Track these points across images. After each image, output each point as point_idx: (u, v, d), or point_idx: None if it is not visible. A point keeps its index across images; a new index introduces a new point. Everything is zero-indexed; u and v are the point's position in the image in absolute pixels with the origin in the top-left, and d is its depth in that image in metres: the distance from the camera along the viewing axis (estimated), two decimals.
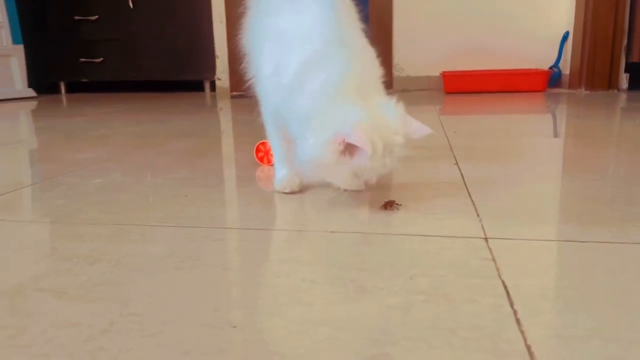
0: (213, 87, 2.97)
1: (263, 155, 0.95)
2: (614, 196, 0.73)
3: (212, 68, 2.93)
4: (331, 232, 0.61)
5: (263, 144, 0.95)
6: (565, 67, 2.50)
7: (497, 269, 0.49)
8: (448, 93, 2.47)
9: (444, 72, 2.57)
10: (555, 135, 1.33)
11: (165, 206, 0.72)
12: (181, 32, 2.90)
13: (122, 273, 0.51)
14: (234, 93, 2.83)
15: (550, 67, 2.60)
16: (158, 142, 1.28)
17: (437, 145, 1.11)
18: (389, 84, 2.77)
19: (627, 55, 2.28)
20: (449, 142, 1.15)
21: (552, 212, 0.68)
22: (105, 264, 0.53)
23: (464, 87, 2.46)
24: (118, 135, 1.42)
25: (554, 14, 2.56)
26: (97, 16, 2.94)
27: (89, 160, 1.06)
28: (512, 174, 0.88)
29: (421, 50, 2.76)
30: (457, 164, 0.93)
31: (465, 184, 0.79)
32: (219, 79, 2.95)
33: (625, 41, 2.25)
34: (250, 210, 0.70)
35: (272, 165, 0.95)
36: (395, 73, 2.80)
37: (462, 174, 0.85)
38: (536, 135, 1.31)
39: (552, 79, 2.49)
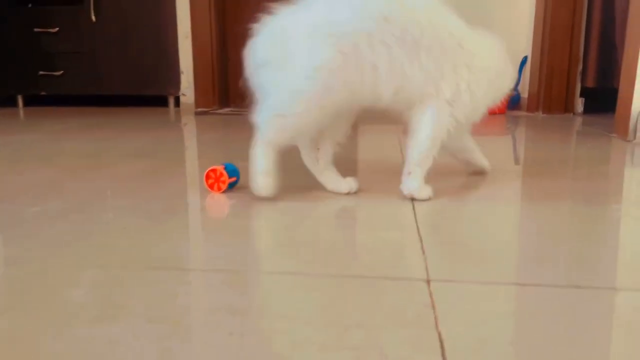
0: (177, 102, 2.91)
1: (213, 182, 0.92)
2: (567, 234, 0.73)
3: (177, 83, 2.88)
4: (268, 272, 0.58)
5: (213, 170, 0.91)
6: (524, 91, 2.55)
7: (436, 318, 0.47)
8: None
9: None
10: (516, 162, 1.34)
11: (100, 241, 0.68)
12: (145, 47, 2.84)
13: (30, 326, 0.46)
14: (199, 109, 2.78)
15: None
16: (111, 163, 1.23)
17: (393, 172, 1.10)
18: None
19: (582, 80, 2.34)
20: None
21: (504, 250, 0.66)
22: (12, 314, 0.48)
23: None
24: (70, 155, 1.36)
25: (514, 39, 2.62)
26: (57, 28, 2.85)
27: (32, 184, 1.00)
28: (466, 206, 0.86)
29: None
30: (413, 199, 0.92)
31: (414, 216, 0.77)
32: (183, 94, 2.90)
33: (580, 67, 2.31)
34: (189, 247, 0.67)
35: (223, 192, 0.91)
36: None
37: (413, 206, 0.84)
38: (495, 161, 1.31)
39: (511, 101, 2.53)
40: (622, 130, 1.48)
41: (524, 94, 2.55)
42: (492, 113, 2.42)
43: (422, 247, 0.64)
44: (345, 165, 1.20)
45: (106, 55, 2.87)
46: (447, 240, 0.69)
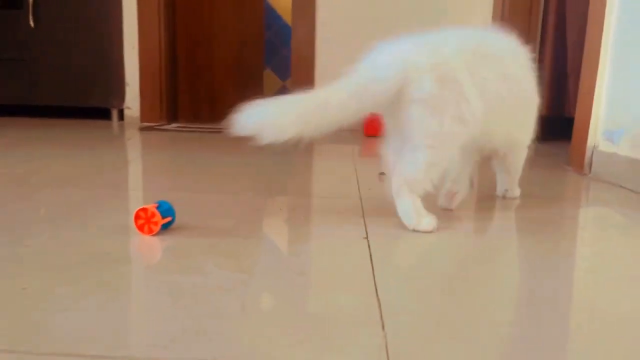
0: (122, 116, 2.73)
1: (144, 223, 0.80)
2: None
3: (121, 95, 2.70)
4: None
5: (144, 210, 0.79)
6: None
7: None
8: (368, 136, 2.43)
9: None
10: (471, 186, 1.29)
11: None
12: (88, 56, 2.66)
13: None
14: (144, 124, 2.62)
15: None
16: (36, 190, 1.08)
17: (349, 204, 1.02)
18: None
19: None
20: (361, 202, 1.06)
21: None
22: None
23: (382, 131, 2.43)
24: None
25: None
26: None
27: None
28: (422, 256, 0.79)
29: None
30: (367, 237, 0.83)
31: (372, 272, 0.69)
32: (128, 107, 2.72)
33: None
34: (95, 320, 0.55)
35: (154, 234, 0.80)
36: None
37: (370, 256, 0.75)
38: None
39: None
40: (578, 164, 1.46)
41: None
42: None
43: (380, 315, 0.55)
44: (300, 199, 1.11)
45: (45, 64, 2.66)
46: (407, 309, 0.60)
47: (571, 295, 0.65)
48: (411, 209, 0.84)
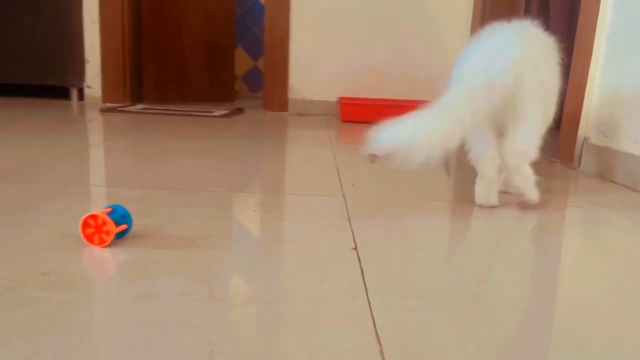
0: (82, 95, 2.54)
1: (93, 232, 0.67)
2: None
3: (81, 74, 2.50)
4: None
5: (93, 217, 0.67)
6: None
7: None
8: (345, 121, 2.32)
9: (341, 98, 2.42)
10: (447, 172, 1.20)
11: None
12: (44, 30, 2.44)
13: None
14: (107, 105, 2.43)
15: None
16: None
17: (332, 204, 0.91)
18: (284, 105, 2.57)
19: None
20: (345, 201, 0.95)
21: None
22: None
23: (361, 116, 2.32)
24: None
25: (453, 42, 2.53)
26: None
27: None
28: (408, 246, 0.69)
29: (319, 73, 2.59)
30: (355, 247, 0.73)
31: (367, 298, 0.58)
32: (89, 86, 2.53)
33: None
34: None
35: (106, 246, 0.67)
36: (291, 95, 2.60)
37: (363, 274, 0.65)
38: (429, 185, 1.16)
39: None
40: (567, 157, 1.40)
41: None
42: None
43: (374, 326, 0.45)
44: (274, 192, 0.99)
45: None
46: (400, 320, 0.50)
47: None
48: (531, 180, 0.97)
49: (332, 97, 2.55)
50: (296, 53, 2.55)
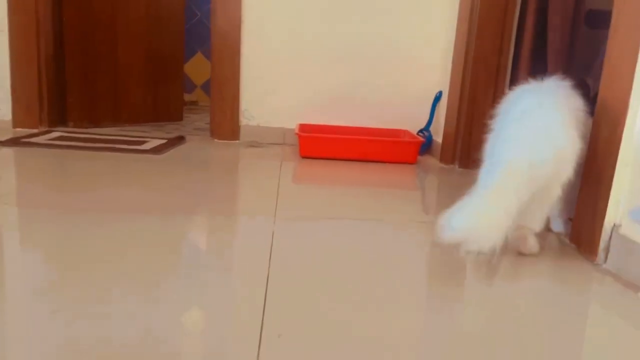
0: None
1: None
2: None
3: None
4: None
5: None
6: (438, 133, 2.09)
7: None
8: (305, 157, 1.91)
9: (300, 128, 2.00)
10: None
11: None
12: None
13: None
14: (19, 131, 1.97)
15: (421, 131, 2.18)
16: None
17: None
18: (234, 132, 2.15)
19: None
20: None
21: None
22: None
23: (322, 152, 1.92)
24: None
25: (428, 70, 2.15)
26: None
27: None
28: None
29: (276, 96, 2.17)
30: None
31: None
32: None
33: None
34: None
35: None
36: (243, 121, 2.18)
37: None
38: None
39: (422, 144, 2.06)
40: (587, 245, 1.02)
41: (437, 137, 2.09)
42: (402, 161, 1.92)
43: None
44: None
45: None
46: None
47: None
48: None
49: (292, 123, 2.14)
50: (250, 71, 2.13)
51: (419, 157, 1.99)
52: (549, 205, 0.96)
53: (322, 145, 1.91)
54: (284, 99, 2.16)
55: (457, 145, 1.90)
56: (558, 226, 1.13)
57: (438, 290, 0.86)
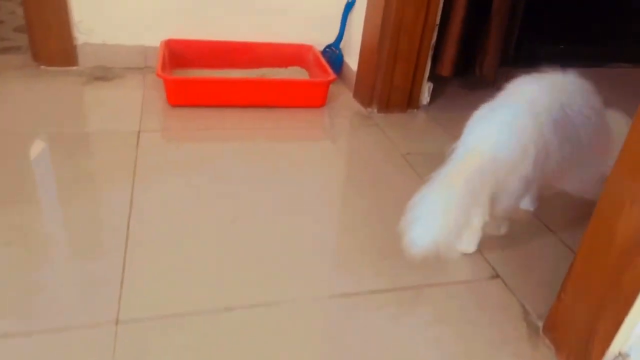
0: None
1: None
2: None
3: None
4: None
5: None
6: (351, 50, 1.61)
7: None
8: (175, 106, 1.37)
9: (163, 75, 1.38)
10: None
11: None
12: None
13: None
14: None
15: (329, 47, 1.68)
16: None
17: None
18: (68, 55, 1.50)
19: (435, 64, 1.50)
20: None
21: None
22: None
23: (199, 98, 1.38)
24: None
25: None
26: None
27: None
28: None
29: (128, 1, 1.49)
30: None
31: None
32: None
33: (434, 39, 1.44)
34: None
35: None
36: (80, 37, 1.50)
37: None
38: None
39: (332, 63, 1.59)
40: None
41: (350, 58, 1.61)
42: (306, 106, 1.47)
43: None
44: None
45: None
46: None
47: None
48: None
49: (154, 38, 1.52)
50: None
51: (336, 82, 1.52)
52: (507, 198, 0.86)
53: (198, 90, 1.37)
54: (139, 1, 1.50)
55: (376, 78, 1.45)
56: (527, 204, 1.07)
57: None
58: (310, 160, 1.20)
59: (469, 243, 0.92)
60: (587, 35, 2.06)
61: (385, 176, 1.15)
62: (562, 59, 2.01)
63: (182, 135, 1.24)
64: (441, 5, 1.40)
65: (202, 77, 1.46)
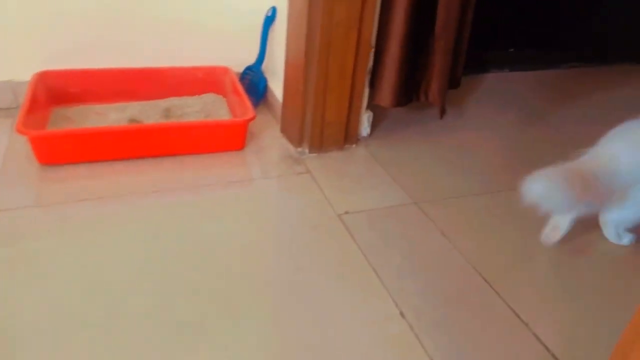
0: None
1: None
2: None
3: None
4: None
5: None
6: (276, 72, 1.34)
7: None
8: (45, 165, 1.06)
9: (26, 131, 1.06)
10: None
11: None
12: None
13: None
14: None
15: (249, 69, 1.41)
16: None
17: None
18: None
19: (373, 88, 1.26)
20: None
21: None
22: None
23: (76, 155, 1.07)
24: None
25: None
26: None
27: None
28: None
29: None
30: None
31: None
32: None
33: (371, 62, 1.20)
34: None
35: None
36: None
37: None
38: None
39: (254, 91, 1.33)
40: None
41: (275, 82, 1.35)
42: (225, 149, 1.20)
43: None
44: None
45: None
46: None
47: None
48: None
49: (25, 72, 1.20)
50: None
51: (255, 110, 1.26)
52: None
53: (75, 145, 1.07)
54: (3, 22, 1.17)
55: (306, 110, 1.20)
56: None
57: None
58: (215, 237, 0.93)
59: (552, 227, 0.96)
60: (535, 39, 1.89)
61: (314, 250, 0.91)
62: (511, 63, 1.86)
63: (52, 213, 0.95)
64: (377, 21, 1.16)
65: (78, 130, 1.13)
